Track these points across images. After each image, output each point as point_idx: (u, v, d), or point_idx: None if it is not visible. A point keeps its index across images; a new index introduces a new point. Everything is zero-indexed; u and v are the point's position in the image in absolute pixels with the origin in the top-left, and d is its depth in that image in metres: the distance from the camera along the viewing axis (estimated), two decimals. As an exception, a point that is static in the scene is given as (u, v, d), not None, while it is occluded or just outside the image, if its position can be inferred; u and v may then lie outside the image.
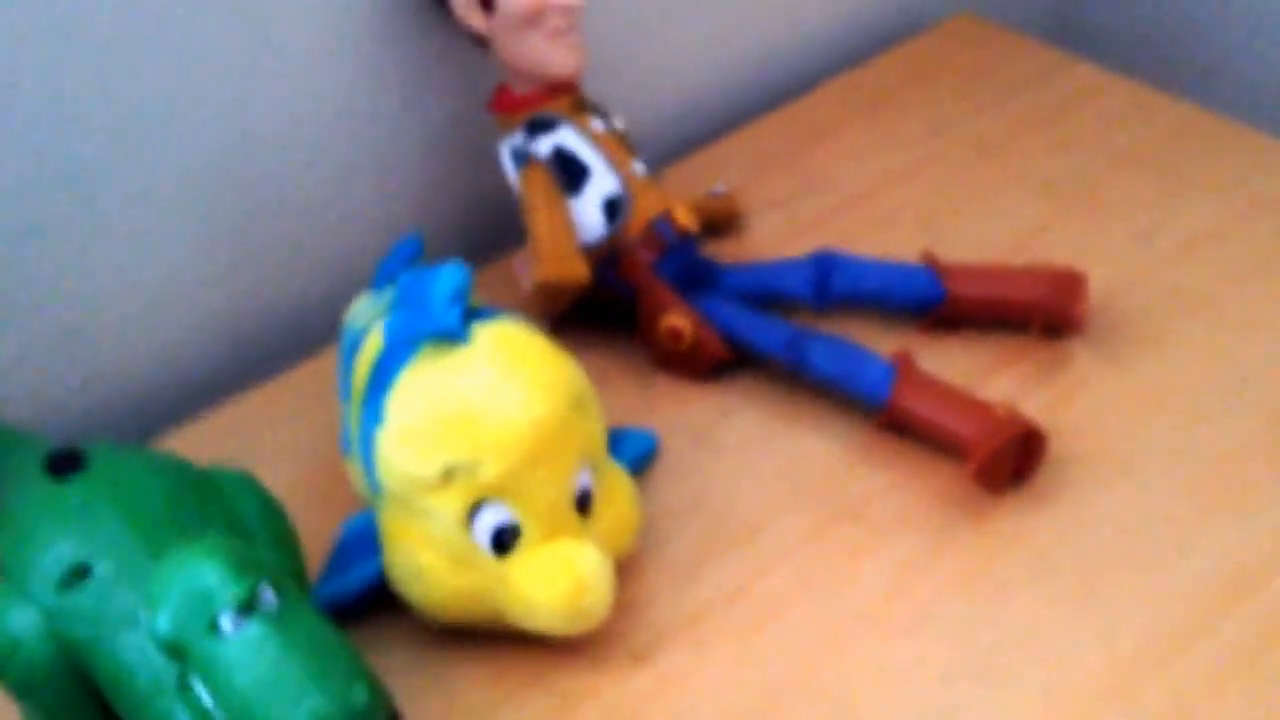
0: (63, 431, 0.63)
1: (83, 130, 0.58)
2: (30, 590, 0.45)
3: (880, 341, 0.63)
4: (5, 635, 0.44)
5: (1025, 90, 0.79)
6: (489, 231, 0.74)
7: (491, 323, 0.51)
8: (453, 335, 0.50)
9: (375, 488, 0.51)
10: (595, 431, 0.52)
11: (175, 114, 0.61)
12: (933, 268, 0.63)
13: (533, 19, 0.60)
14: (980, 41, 0.83)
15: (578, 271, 0.60)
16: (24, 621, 0.44)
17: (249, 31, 0.61)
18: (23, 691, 0.45)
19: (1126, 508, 0.56)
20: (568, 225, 0.61)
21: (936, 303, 0.63)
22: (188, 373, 0.67)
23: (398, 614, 0.53)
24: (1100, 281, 0.66)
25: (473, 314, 0.52)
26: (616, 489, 0.53)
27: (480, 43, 0.63)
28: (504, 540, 0.49)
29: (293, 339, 0.69)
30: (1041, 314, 0.62)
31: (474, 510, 0.49)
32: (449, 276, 0.51)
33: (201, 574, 0.42)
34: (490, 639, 0.52)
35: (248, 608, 0.42)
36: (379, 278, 0.60)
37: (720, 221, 0.70)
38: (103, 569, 0.45)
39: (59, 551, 0.45)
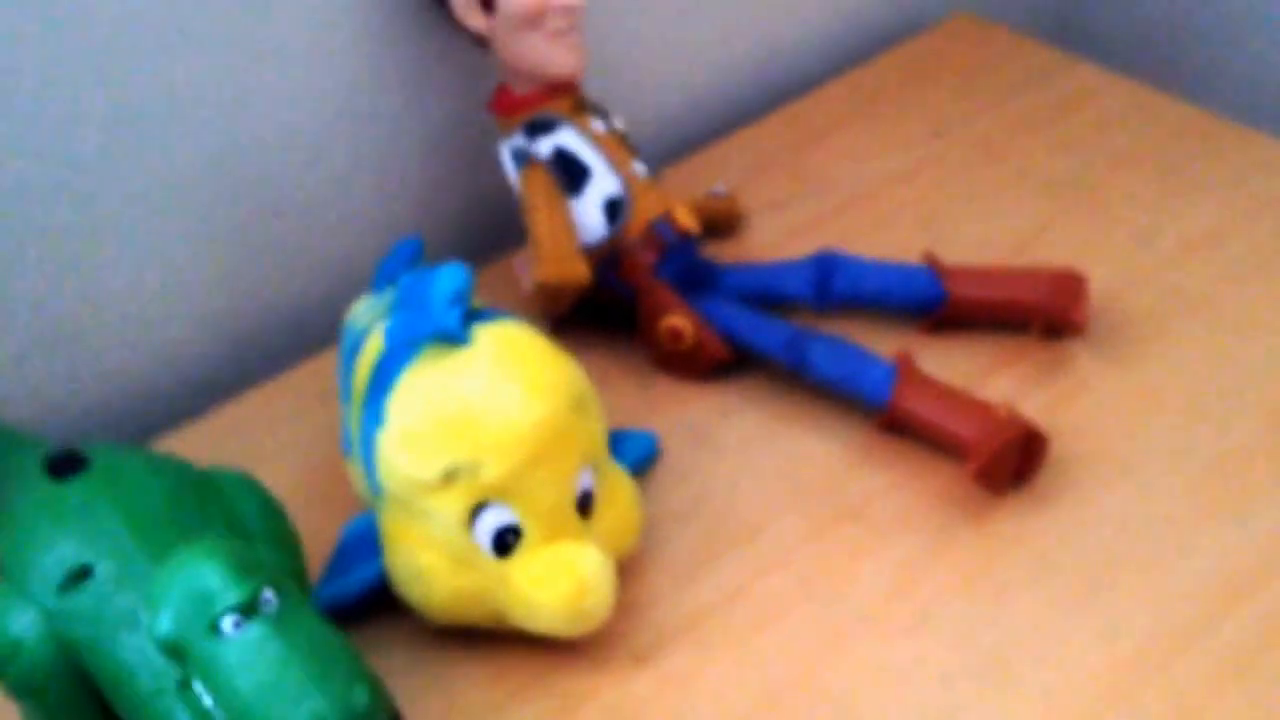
0: (63, 432, 0.63)
1: (83, 131, 0.58)
2: (31, 591, 0.45)
3: (880, 342, 0.63)
4: (6, 636, 0.44)
5: (1025, 90, 0.79)
6: (489, 232, 0.74)
7: (492, 324, 0.51)
8: (453, 336, 0.50)
9: (376, 489, 0.51)
10: (596, 432, 0.52)
11: (175, 114, 0.61)
12: (933, 269, 0.63)
13: (533, 19, 0.60)
14: (980, 41, 0.83)
15: (578, 272, 0.60)
16: (25, 622, 0.44)
17: (249, 31, 0.61)
18: (23, 692, 0.45)
19: (1127, 508, 0.56)
20: (568, 226, 0.61)
21: (937, 304, 0.63)
22: (188, 373, 0.67)
23: (398, 615, 0.53)
24: (1100, 282, 0.66)
25: (473, 315, 0.52)
26: (618, 490, 0.53)
27: (480, 43, 0.63)
28: (505, 541, 0.49)
29: (293, 339, 0.69)
30: (1042, 315, 0.62)
31: (475, 511, 0.49)
32: (450, 278, 0.50)
33: (202, 575, 0.42)
34: (491, 640, 0.52)
35: (248, 609, 0.42)
36: (379, 278, 0.61)
37: (721, 222, 0.70)
38: (103, 570, 0.45)
39: (59, 553, 0.45)
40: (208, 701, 0.42)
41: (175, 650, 0.42)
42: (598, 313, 0.64)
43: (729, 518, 0.57)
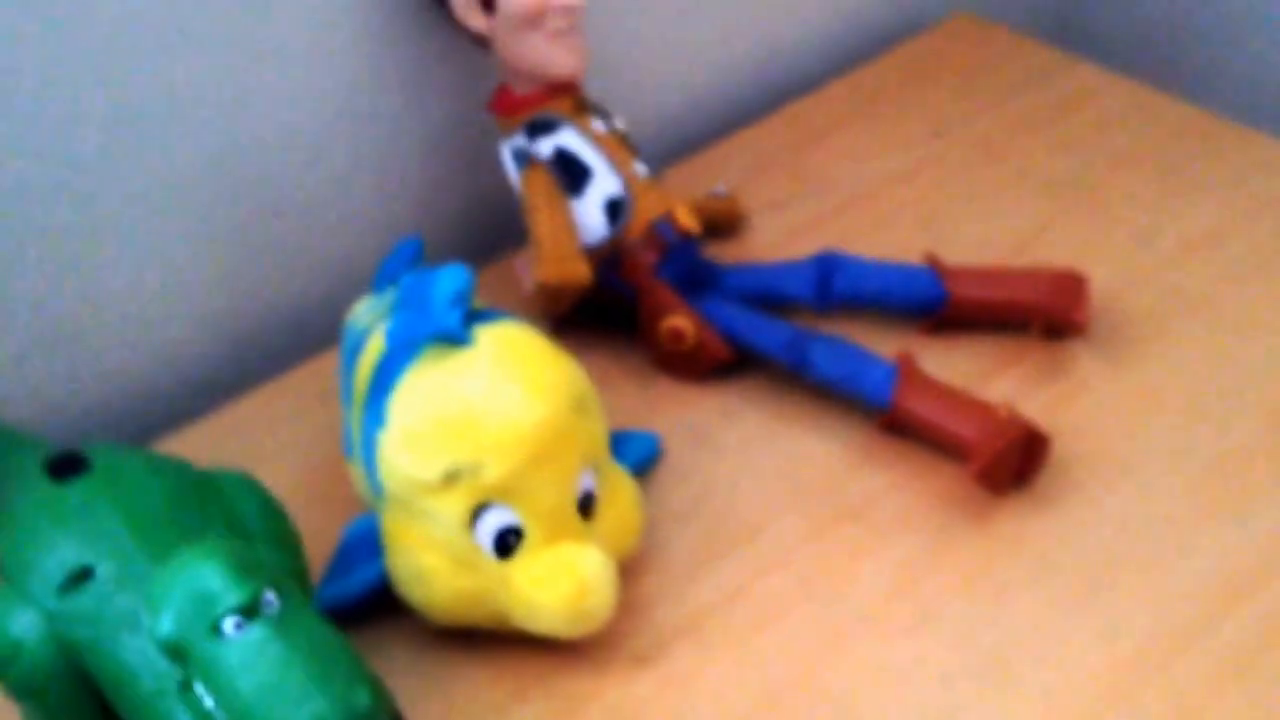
0: (63, 432, 0.63)
1: (83, 131, 0.58)
2: (31, 592, 0.45)
3: (881, 343, 0.63)
4: (6, 638, 0.44)
5: (1025, 90, 0.79)
6: (489, 232, 0.74)
7: (493, 325, 0.51)
8: (455, 337, 0.50)
9: (377, 490, 0.51)
10: (597, 433, 0.52)
11: (175, 114, 0.60)
12: (934, 269, 0.63)
13: (534, 19, 0.60)
14: (980, 41, 0.83)
15: (579, 272, 0.60)
16: (25, 624, 0.44)
17: (249, 32, 0.61)
18: (24, 694, 0.45)
19: (1127, 508, 0.56)
20: (569, 226, 0.61)
21: (938, 304, 0.63)
22: (188, 373, 0.67)
23: (400, 616, 0.53)
24: (1101, 282, 0.66)
25: (475, 316, 0.52)
26: (619, 491, 0.53)
27: (480, 43, 0.63)
28: (506, 542, 0.49)
29: (293, 339, 0.69)
30: (1043, 315, 0.62)
31: (476, 512, 0.49)
32: (451, 278, 0.51)
33: (203, 576, 0.42)
34: (493, 641, 0.52)
35: (250, 610, 0.42)
36: (380, 279, 0.60)
37: (722, 222, 0.70)
38: (104, 571, 0.45)
39: (60, 554, 0.45)
40: (209, 703, 0.42)
41: (176, 651, 0.42)
42: (599, 313, 0.64)
43: (730, 518, 0.57)
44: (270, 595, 0.42)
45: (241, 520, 0.48)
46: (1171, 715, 0.49)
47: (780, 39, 0.82)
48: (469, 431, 0.48)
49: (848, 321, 0.65)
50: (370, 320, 0.55)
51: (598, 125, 0.63)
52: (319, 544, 0.55)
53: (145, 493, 0.47)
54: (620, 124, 0.64)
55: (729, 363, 0.62)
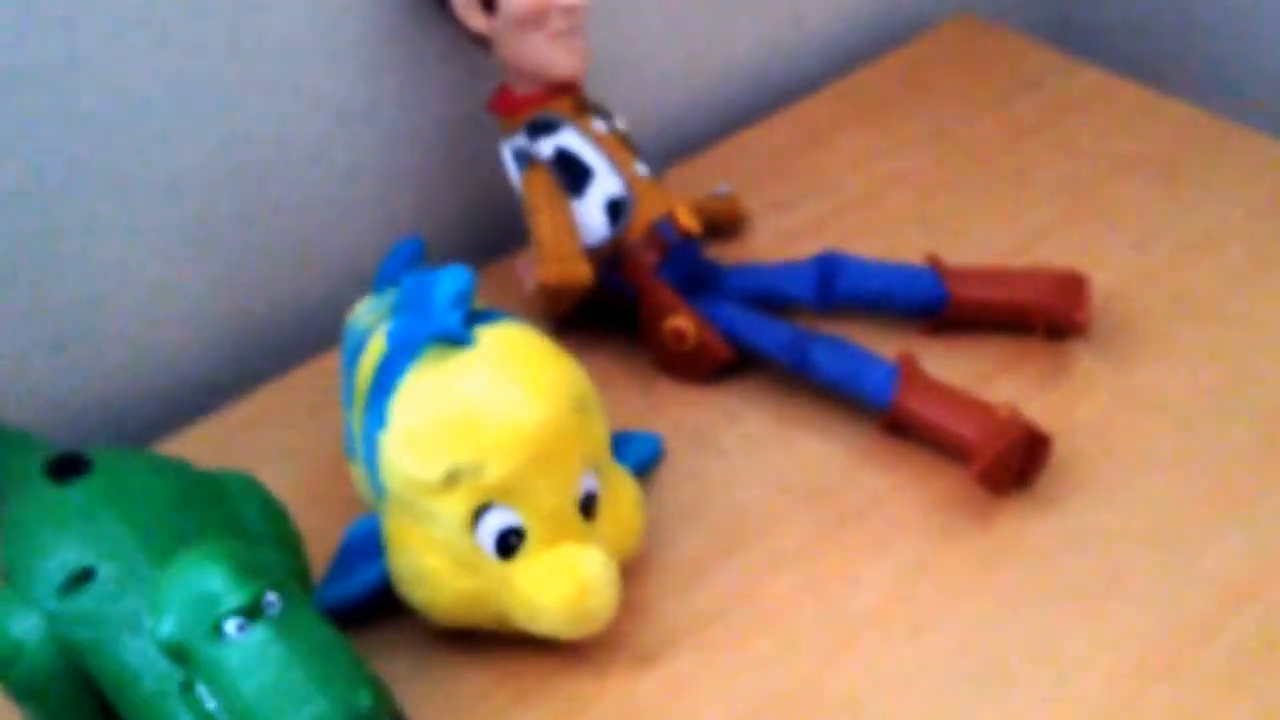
0: (63, 433, 0.63)
1: (82, 132, 0.58)
2: (32, 594, 0.45)
3: (883, 344, 0.63)
4: (8, 639, 0.44)
5: (1026, 92, 0.79)
6: (490, 232, 0.74)
7: (495, 325, 0.51)
8: (456, 338, 0.50)
9: (378, 490, 0.51)
10: (599, 434, 0.52)
11: (175, 114, 0.60)
12: (936, 270, 0.63)
13: (535, 20, 0.59)
14: (981, 43, 0.83)
15: (580, 273, 0.60)
16: (26, 625, 0.44)
17: (248, 32, 0.61)
18: (25, 695, 0.45)
19: (1130, 510, 0.56)
20: (570, 226, 0.61)
21: (940, 305, 0.63)
22: (188, 373, 0.67)
23: (401, 618, 0.53)
24: (1103, 284, 0.66)
25: (476, 317, 0.52)
26: (620, 492, 0.53)
27: (481, 43, 0.63)
28: (508, 543, 0.49)
29: (294, 340, 0.69)
30: (1045, 317, 0.62)
31: (478, 513, 0.49)
32: (452, 279, 0.50)
33: (206, 578, 0.42)
34: (495, 643, 0.52)
35: (252, 612, 0.42)
36: (380, 279, 0.60)
37: (723, 223, 0.70)
38: (105, 572, 0.45)
39: (62, 555, 0.45)
40: (210, 704, 0.42)
41: (178, 653, 0.42)
42: (600, 314, 0.64)
43: (732, 519, 0.57)
44: (272, 596, 0.42)
45: (243, 521, 0.48)
46: (1174, 719, 0.49)
47: (781, 40, 0.82)
48: (470, 432, 0.48)
49: (849, 322, 0.65)
50: (371, 321, 0.55)
51: (599, 125, 0.63)
52: (320, 544, 0.55)
53: (146, 494, 0.46)
54: (621, 124, 0.64)
55: (730, 363, 0.62)
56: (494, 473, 0.48)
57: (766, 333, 0.61)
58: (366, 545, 0.52)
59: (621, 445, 0.57)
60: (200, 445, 0.61)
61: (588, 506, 0.51)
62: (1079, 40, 0.99)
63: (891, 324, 0.65)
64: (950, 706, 0.50)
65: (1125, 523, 0.55)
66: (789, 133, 0.77)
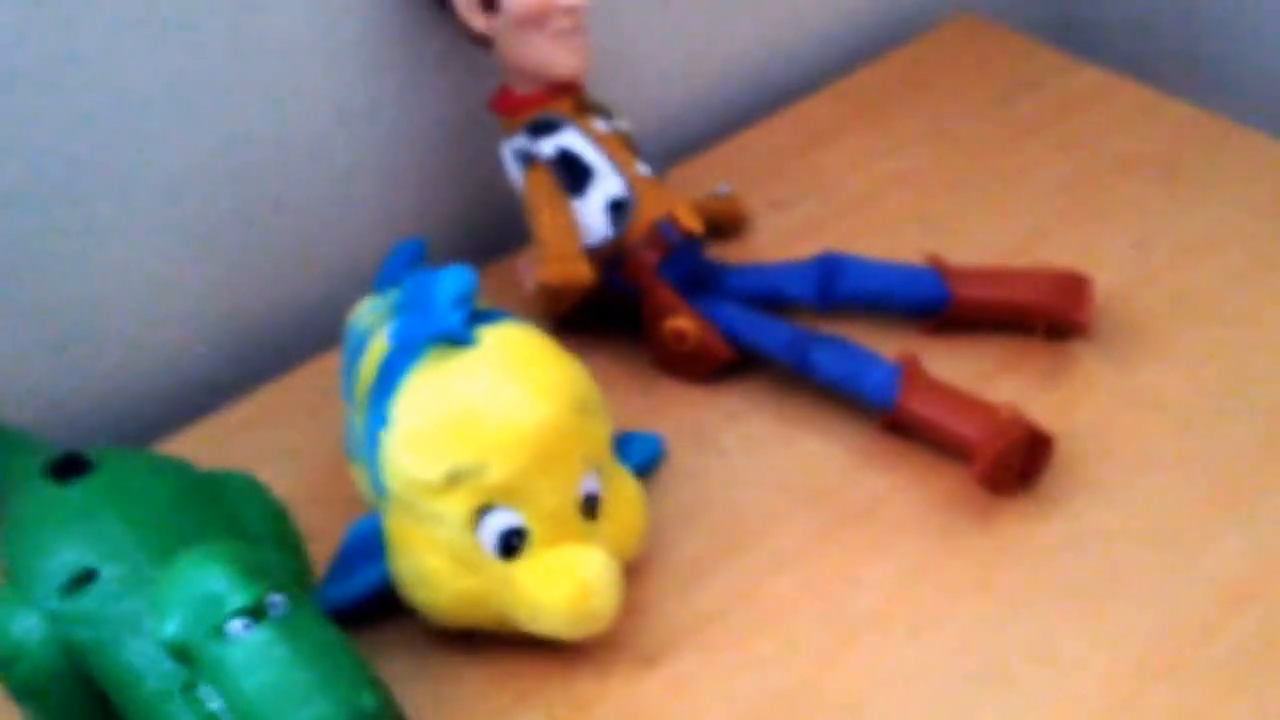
0: (63, 433, 0.63)
1: (82, 133, 0.58)
2: (34, 594, 0.45)
3: (884, 344, 0.63)
4: (9, 640, 0.44)
5: (1027, 92, 0.79)
6: (490, 232, 0.74)
7: (498, 325, 0.51)
8: (458, 338, 0.50)
9: (379, 491, 0.51)
10: (601, 435, 0.52)
11: (175, 114, 0.60)
12: (937, 270, 0.63)
13: (536, 19, 0.59)
14: (982, 43, 0.83)
15: (581, 273, 0.60)
16: (28, 626, 0.44)
17: (248, 32, 0.61)
18: (26, 695, 0.45)
19: (1131, 510, 0.56)
20: (571, 226, 0.61)
21: (941, 305, 0.63)
22: (189, 373, 0.66)
23: (401, 618, 0.52)
24: (1104, 284, 0.66)
25: (479, 317, 0.51)
26: (622, 492, 0.53)
27: (482, 43, 0.62)
28: (510, 544, 0.49)
29: (294, 340, 0.69)
30: (1046, 316, 0.62)
31: (480, 514, 0.49)
32: (454, 279, 0.51)
33: (210, 578, 0.42)
34: (497, 643, 0.52)
35: (255, 612, 0.42)
36: (381, 279, 0.60)
37: (724, 223, 0.70)
38: (107, 573, 0.45)
39: (63, 556, 0.45)
40: (214, 705, 0.42)
41: (182, 653, 0.42)
42: (601, 314, 0.64)
43: (733, 520, 0.57)
44: (276, 597, 0.42)
45: (244, 521, 0.48)
46: (1175, 719, 0.49)
47: (781, 40, 0.82)
48: (472, 432, 0.48)
49: (850, 322, 0.64)
50: (372, 321, 0.55)
51: (600, 125, 0.63)
52: (320, 545, 0.55)
53: (148, 494, 0.46)
54: (622, 124, 0.64)
55: (731, 363, 0.62)
56: (496, 473, 0.48)
57: (767, 333, 0.61)
58: (366, 546, 0.52)
59: (623, 446, 0.57)
60: (200, 445, 0.61)
61: (590, 507, 0.51)
62: (1079, 40, 0.99)
63: (892, 324, 0.65)
64: (951, 706, 0.50)
65: (1125, 523, 0.55)
66: (789, 133, 0.77)
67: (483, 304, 0.55)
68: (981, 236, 0.69)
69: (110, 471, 0.47)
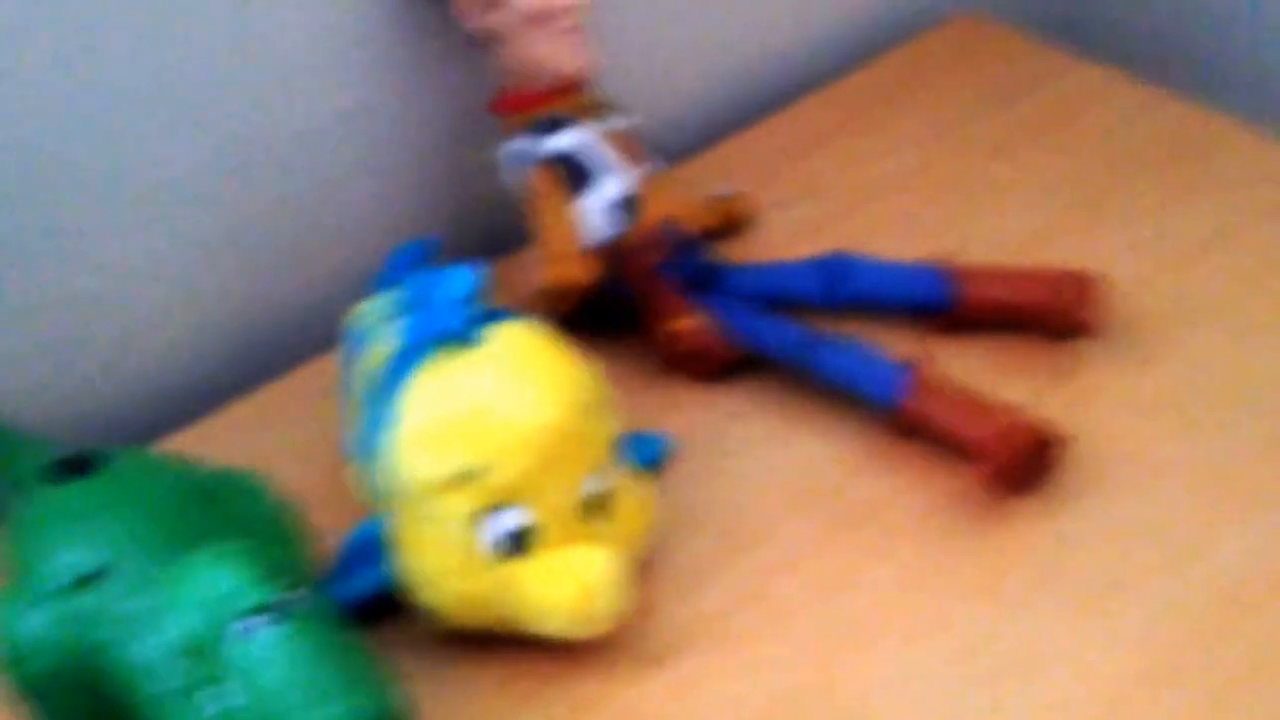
0: (64, 433, 0.62)
1: (83, 134, 0.58)
2: (40, 593, 0.45)
3: (889, 344, 0.63)
4: (15, 639, 0.44)
5: (1031, 92, 0.79)
6: (490, 232, 0.74)
7: (504, 325, 0.51)
8: (465, 337, 0.49)
9: (379, 491, 0.51)
10: (608, 435, 0.52)
11: (175, 115, 0.60)
12: (944, 270, 0.63)
13: (539, 18, 0.59)
14: (985, 42, 0.83)
15: (581, 274, 0.60)
16: (34, 625, 0.44)
17: (249, 33, 0.61)
18: (32, 694, 0.45)
19: (1140, 512, 0.56)
20: (574, 226, 0.61)
21: (947, 305, 0.62)
22: (190, 373, 0.66)
23: (402, 619, 0.52)
24: (1111, 285, 0.66)
25: (485, 316, 0.51)
26: (628, 493, 0.52)
27: (481, 43, 0.62)
28: (516, 544, 0.49)
29: (294, 340, 0.69)
30: (1053, 316, 0.62)
31: (485, 513, 0.49)
32: (461, 279, 0.50)
33: (224, 576, 0.42)
34: (502, 644, 0.52)
35: (269, 611, 0.41)
36: (383, 280, 0.60)
37: (728, 223, 0.70)
38: (114, 572, 0.44)
39: (69, 555, 0.45)
40: (224, 703, 0.42)
41: (195, 652, 0.42)
42: (604, 314, 0.64)
43: (739, 521, 0.57)
44: (290, 596, 0.42)
45: (250, 520, 0.48)
46: None
47: (783, 40, 0.82)
48: (478, 432, 0.48)
49: (855, 323, 0.64)
50: (374, 321, 0.55)
51: (604, 125, 0.63)
52: (321, 545, 0.55)
53: (153, 493, 0.46)
54: (627, 123, 0.64)
55: (735, 363, 0.62)
56: (502, 473, 0.48)
57: (771, 332, 0.61)
58: (369, 546, 0.52)
59: (629, 446, 0.57)
60: (200, 445, 0.61)
61: (596, 507, 0.50)
62: (1081, 39, 0.99)
63: (898, 325, 0.64)
64: (956, 707, 0.49)
65: (1135, 525, 0.55)
66: (790, 133, 0.77)
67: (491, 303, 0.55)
68: (986, 237, 0.69)
69: (115, 471, 0.47)
